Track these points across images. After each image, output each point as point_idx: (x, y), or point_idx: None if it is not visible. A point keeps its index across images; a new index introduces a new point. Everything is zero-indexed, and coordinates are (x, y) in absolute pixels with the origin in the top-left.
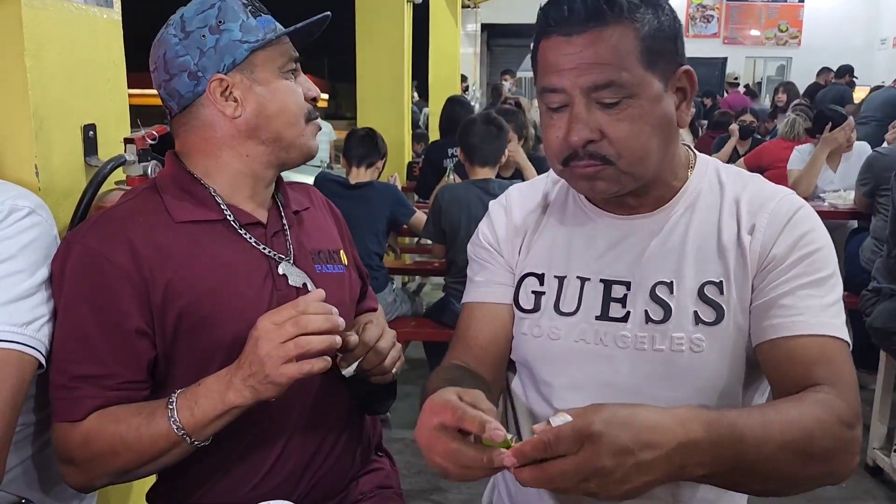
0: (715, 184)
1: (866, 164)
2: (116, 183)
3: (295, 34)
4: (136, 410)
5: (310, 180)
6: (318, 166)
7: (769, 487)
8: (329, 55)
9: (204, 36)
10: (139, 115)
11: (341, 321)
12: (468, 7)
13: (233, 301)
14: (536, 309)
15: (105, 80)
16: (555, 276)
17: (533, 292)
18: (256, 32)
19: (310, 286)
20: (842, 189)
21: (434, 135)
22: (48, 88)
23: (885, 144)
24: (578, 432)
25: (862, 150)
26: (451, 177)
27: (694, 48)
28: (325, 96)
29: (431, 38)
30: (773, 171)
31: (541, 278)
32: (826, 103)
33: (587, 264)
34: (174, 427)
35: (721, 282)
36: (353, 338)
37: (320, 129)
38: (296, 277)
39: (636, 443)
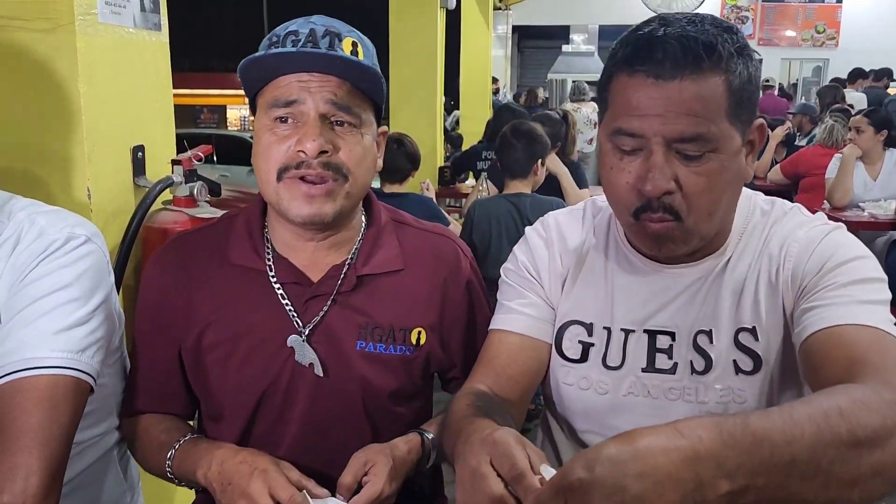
0: (758, 224)
1: None
2: (164, 203)
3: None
4: (160, 432)
5: None
6: None
7: (830, 494)
8: None
9: None
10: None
11: None
12: (500, 9)
13: (249, 354)
14: (583, 360)
15: (153, 101)
16: (603, 328)
17: (580, 342)
18: None
19: (317, 369)
20: (882, 199)
21: (469, 139)
22: (100, 112)
23: None
24: (557, 487)
25: None
26: (485, 184)
27: None
28: None
29: (463, 40)
30: (810, 178)
31: (589, 328)
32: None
33: (631, 314)
34: (167, 468)
35: (754, 327)
36: None
37: (317, 196)
38: (303, 355)
39: (626, 476)
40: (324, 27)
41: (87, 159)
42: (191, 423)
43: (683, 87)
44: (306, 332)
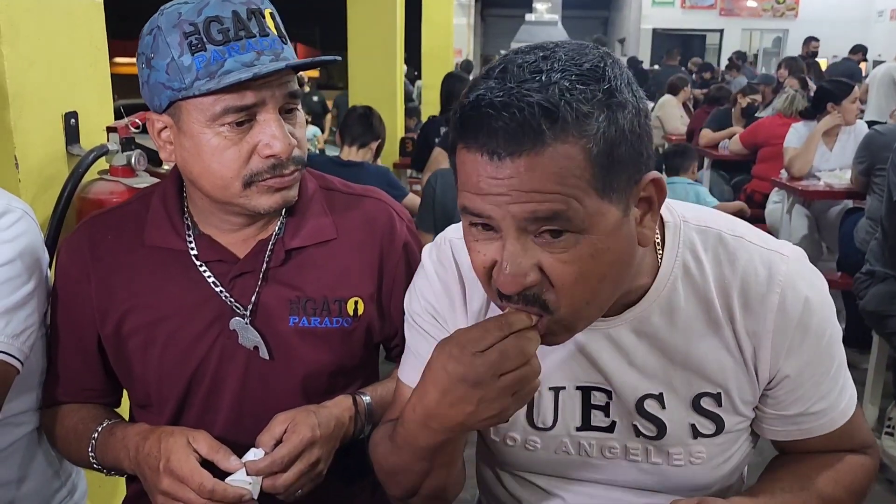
0: (691, 264)
1: (864, 143)
2: (99, 173)
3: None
4: (76, 422)
5: None
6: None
7: None
8: (321, 23)
9: (142, 66)
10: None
11: None
12: None
13: (172, 338)
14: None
15: (87, 64)
16: None
17: None
18: (184, 76)
19: (262, 352)
20: (838, 168)
21: (428, 109)
22: (26, 76)
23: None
24: None
25: (860, 128)
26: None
27: (691, 20)
28: (315, 74)
29: (424, 7)
30: (769, 148)
31: None
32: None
33: (558, 370)
34: (92, 461)
35: (719, 394)
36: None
37: (289, 186)
38: (247, 338)
39: None
40: (244, 5)
41: (14, 127)
42: (116, 410)
43: (525, 164)
44: (248, 313)
